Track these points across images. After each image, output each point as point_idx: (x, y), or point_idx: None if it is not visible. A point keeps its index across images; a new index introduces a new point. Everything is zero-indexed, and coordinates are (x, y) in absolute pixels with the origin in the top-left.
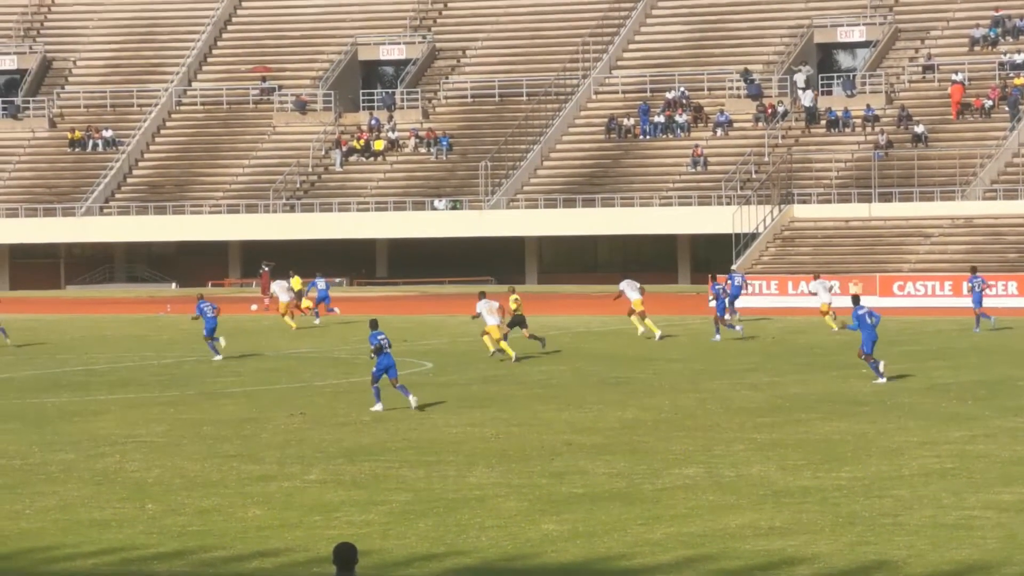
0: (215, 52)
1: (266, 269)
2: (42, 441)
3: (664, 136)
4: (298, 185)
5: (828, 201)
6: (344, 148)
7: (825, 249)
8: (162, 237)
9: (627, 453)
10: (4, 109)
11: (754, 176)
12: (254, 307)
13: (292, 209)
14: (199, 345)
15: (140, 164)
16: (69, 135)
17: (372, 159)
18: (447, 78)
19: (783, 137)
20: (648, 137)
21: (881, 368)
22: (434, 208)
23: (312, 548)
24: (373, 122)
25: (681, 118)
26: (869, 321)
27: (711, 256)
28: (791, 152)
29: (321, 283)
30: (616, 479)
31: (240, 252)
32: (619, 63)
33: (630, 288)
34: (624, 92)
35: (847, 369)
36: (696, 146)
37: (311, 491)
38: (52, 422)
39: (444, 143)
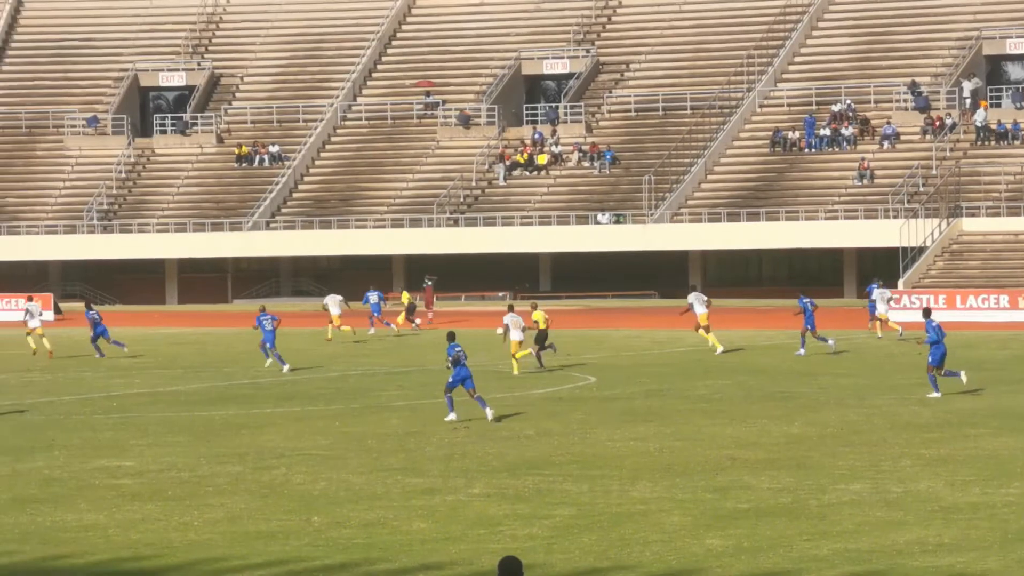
0: (380, 67)
1: (429, 283)
2: (210, 453)
3: (830, 149)
4: (461, 199)
5: (997, 214)
6: (507, 162)
7: (994, 263)
8: (327, 251)
9: (792, 468)
10: (173, 125)
11: (921, 189)
12: (417, 321)
13: (455, 223)
14: (364, 359)
15: (305, 179)
16: (236, 150)
17: (535, 173)
18: (611, 92)
19: (951, 150)
20: (813, 150)
21: (963, 377)
22: (597, 222)
23: (476, 562)
24: (536, 136)
25: (847, 131)
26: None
27: (877, 270)
28: (959, 165)
29: (374, 296)
30: (781, 494)
31: (404, 266)
32: (784, 76)
33: (698, 302)
34: (789, 105)
35: (1016, 384)
36: (863, 159)
37: (475, 505)
38: (219, 435)
39: (607, 157)
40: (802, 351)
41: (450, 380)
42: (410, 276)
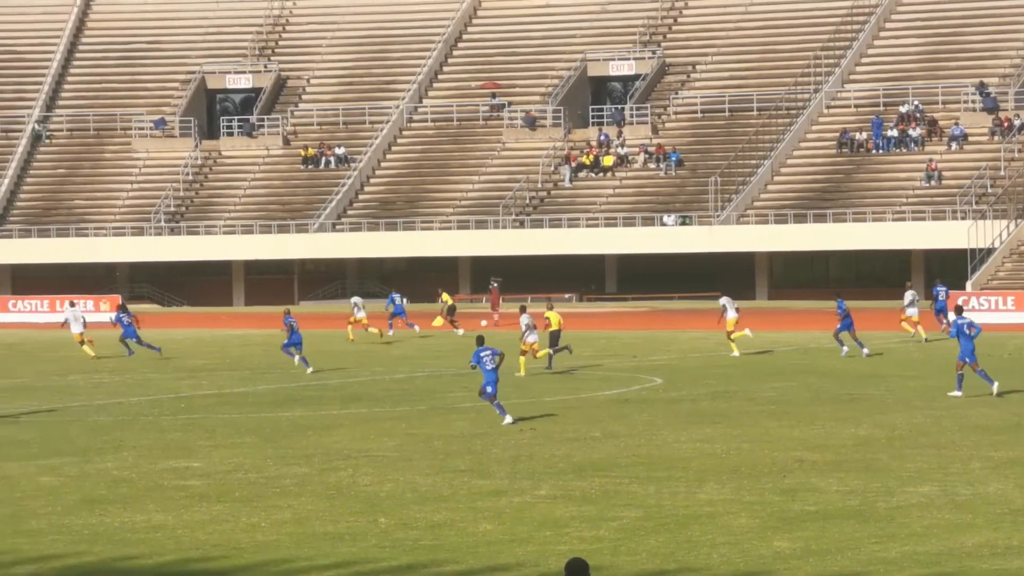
0: (446, 69)
1: (495, 285)
2: (277, 455)
3: (897, 150)
4: (527, 201)
5: None
6: (573, 164)
7: None
8: (393, 253)
9: (860, 470)
10: (240, 127)
11: (989, 190)
12: (484, 323)
13: (521, 225)
14: (430, 360)
15: (371, 181)
16: (302, 152)
17: (601, 175)
18: (677, 93)
19: (1019, 151)
20: (881, 151)
21: (995, 389)
22: (663, 224)
23: (543, 564)
24: (602, 138)
25: (915, 132)
26: (968, 332)
27: (945, 272)
28: None
29: (398, 298)
30: (849, 497)
31: (470, 268)
32: (852, 76)
33: (730, 306)
34: (857, 106)
35: None
36: (930, 160)
37: (541, 506)
38: (286, 436)
39: (673, 158)
40: (845, 349)
41: (489, 389)
42: (475, 278)
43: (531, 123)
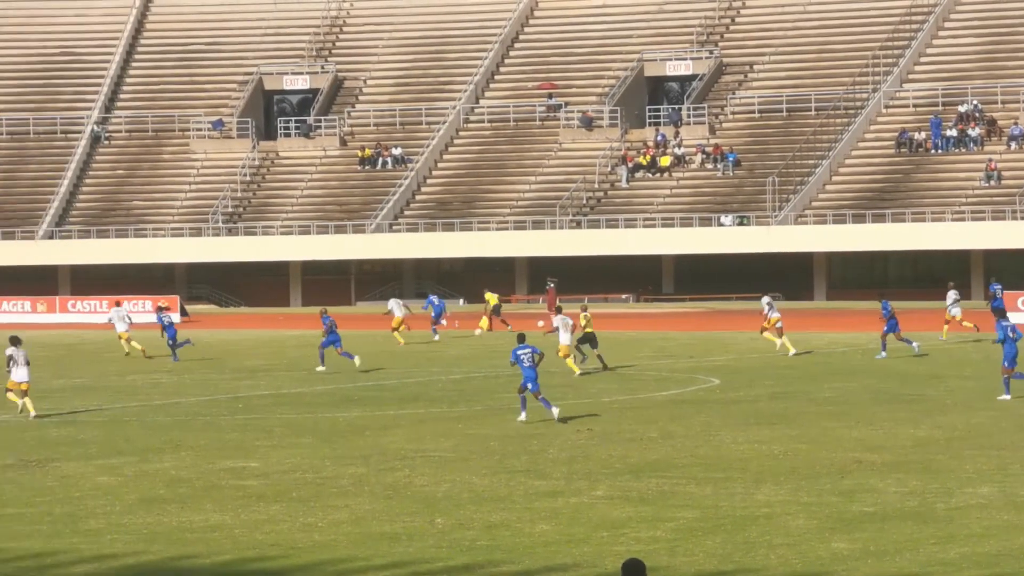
0: (502, 69)
1: (551, 286)
2: (334, 455)
3: (956, 150)
4: (584, 201)
5: None
6: (630, 164)
7: None
8: (450, 253)
9: (919, 472)
10: (297, 128)
11: None
12: (540, 323)
13: (578, 225)
14: (487, 361)
15: (428, 181)
16: (359, 153)
17: (658, 175)
18: (734, 93)
19: None
20: (940, 151)
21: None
22: (721, 224)
23: (600, 564)
24: (659, 138)
25: (974, 131)
26: (1011, 336)
27: (1005, 271)
28: None
29: (436, 299)
30: (908, 498)
31: (527, 268)
32: (910, 76)
33: (768, 305)
34: (915, 106)
35: None
36: (990, 160)
37: (598, 507)
38: (344, 436)
39: (731, 159)
40: (883, 354)
41: (530, 385)
42: (532, 278)
43: (588, 123)
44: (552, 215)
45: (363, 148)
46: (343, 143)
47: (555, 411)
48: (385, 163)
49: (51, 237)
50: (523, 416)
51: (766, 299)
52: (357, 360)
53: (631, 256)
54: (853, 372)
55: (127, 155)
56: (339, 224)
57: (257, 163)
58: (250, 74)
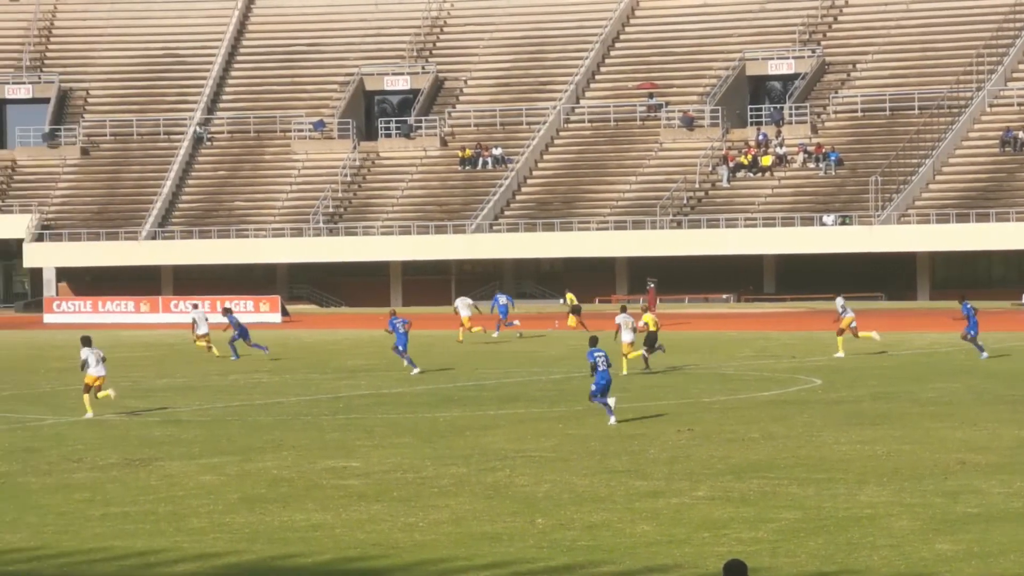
0: (603, 69)
1: (651, 285)
2: (434, 455)
3: None
4: (685, 201)
5: None
6: (731, 164)
7: None
8: (549, 253)
9: None
10: (397, 128)
11: None
12: (640, 323)
13: (679, 225)
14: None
15: (528, 181)
16: (460, 153)
17: (760, 174)
18: (836, 92)
19: None
20: None
21: None
22: (823, 224)
23: (701, 565)
24: (761, 137)
25: None
26: None
27: None
28: None
29: (503, 299)
30: (1013, 499)
31: (627, 268)
32: (1015, 75)
33: (846, 305)
34: (1020, 104)
35: None
36: None
37: (699, 507)
38: (444, 436)
39: (833, 158)
40: (985, 354)
41: (593, 387)
42: (632, 278)
43: (689, 123)
44: (652, 215)
45: (463, 148)
46: (443, 143)
47: (612, 420)
48: (485, 163)
49: (154, 238)
50: (612, 420)
51: (840, 300)
52: (416, 371)
53: (732, 256)
54: (956, 372)
55: (229, 156)
56: (439, 224)
57: (358, 164)
58: (351, 75)
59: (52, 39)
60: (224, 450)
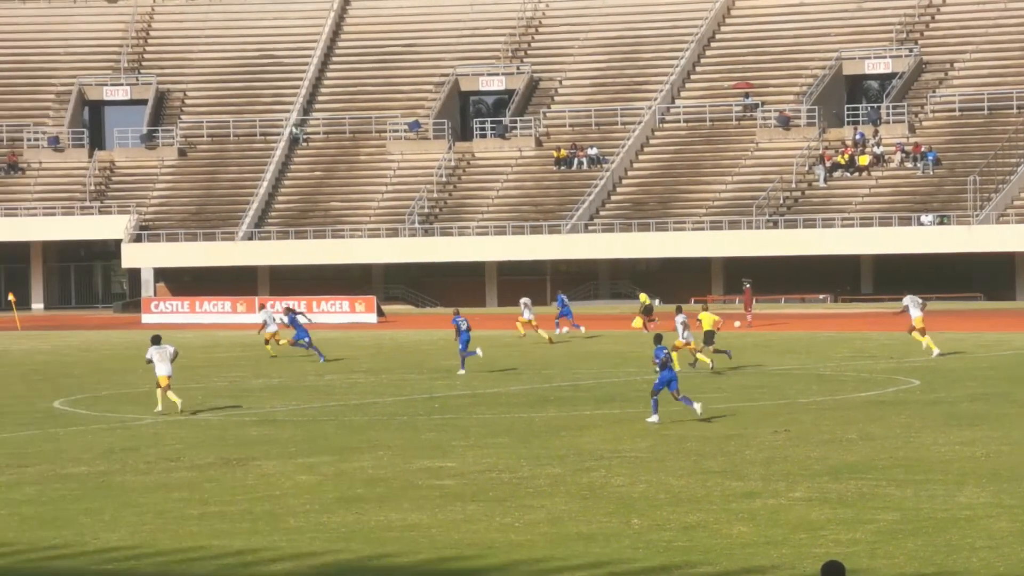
0: (698, 69)
1: (747, 286)
2: (530, 455)
3: None
4: (781, 201)
5: None
6: (828, 163)
7: None
8: (645, 254)
9: None
10: (492, 129)
11: None
12: (737, 323)
13: (775, 225)
14: (680, 362)
15: (624, 181)
16: (555, 153)
17: (856, 174)
18: (934, 91)
19: None
20: None
21: None
22: (920, 223)
23: (798, 566)
24: (858, 137)
25: None
26: None
27: None
28: None
29: (566, 299)
30: None
31: (722, 268)
32: None
33: (913, 304)
34: None
35: None
36: None
37: (796, 509)
38: (539, 436)
39: (931, 157)
40: None
41: (656, 383)
42: (728, 278)
43: (785, 122)
44: (748, 215)
45: (558, 148)
46: (539, 144)
47: (698, 407)
48: (580, 163)
49: (250, 238)
50: (655, 418)
51: (908, 298)
52: (462, 372)
53: (828, 256)
54: None
55: (325, 157)
56: (534, 224)
57: (453, 164)
58: (446, 75)
59: (150, 41)
60: (320, 450)
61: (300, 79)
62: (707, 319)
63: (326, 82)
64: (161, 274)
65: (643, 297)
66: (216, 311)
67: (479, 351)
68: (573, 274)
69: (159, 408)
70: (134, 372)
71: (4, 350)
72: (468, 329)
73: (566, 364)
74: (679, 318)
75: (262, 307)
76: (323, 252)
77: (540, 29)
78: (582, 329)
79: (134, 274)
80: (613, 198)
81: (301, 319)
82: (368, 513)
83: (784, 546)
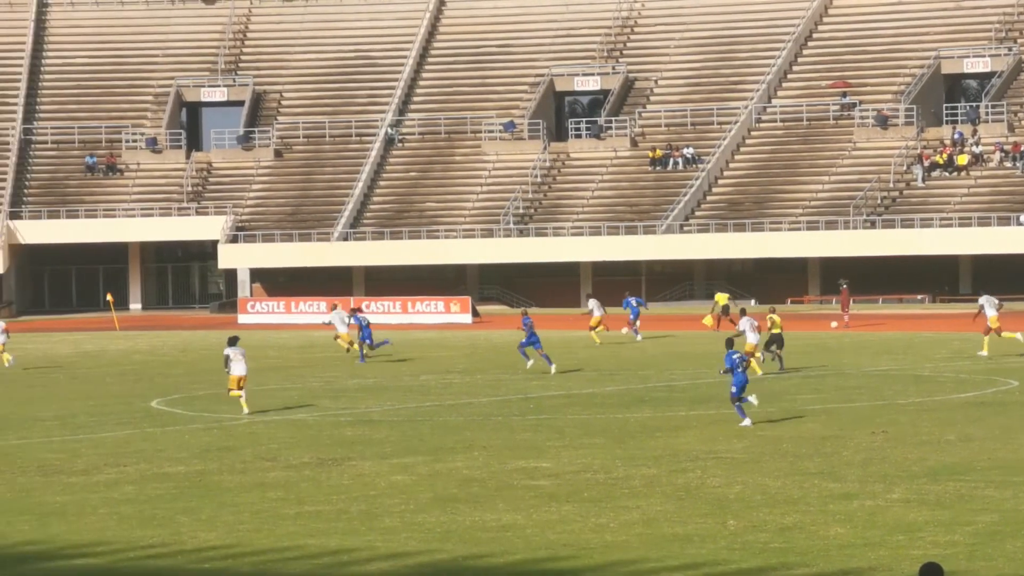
0: (795, 68)
1: (844, 286)
2: (625, 456)
3: None
4: (879, 201)
5: None
6: (926, 163)
7: None
8: (741, 254)
9: None
10: (587, 129)
11: None
12: (834, 324)
13: (872, 225)
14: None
15: (720, 182)
16: (650, 153)
17: (955, 174)
18: None
19: None
20: None
21: None
22: (1020, 223)
23: (896, 568)
24: (956, 136)
25: None
26: None
27: None
28: None
29: (634, 301)
30: None
31: (819, 269)
32: None
33: (988, 304)
34: None
35: None
36: None
37: (894, 510)
38: (634, 437)
39: None
40: None
41: (734, 389)
42: (825, 279)
43: (883, 122)
44: (845, 215)
45: (654, 148)
46: (634, 144)
47: (753, 399)
48: (676, 163)
49: (346, 239)
50: (747, 422)
51: (984, 298)
52: (553, 368)
53: (927, 256)
54: None
55: (420, 157)
56: (629, 225)
57: (548, 164)
58: (541, 75)
59: (247, 42)
60: (415, 450)
61: (396, 80)
62: (776, 321)
63: (421, 83)
64: (257, 274)
65: (720, 297)
66: (311, 311)
67: (549, 364)
68: (668, 274)
69: (246, 411)
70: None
71: (102, 350)
72: (533, 330)
73: (661, 365)
74: (744, 320)
75: (335, 307)
76: (418, 253)
77: (636, 28)
78: (630, 329)
79: (230, 274)
80: (709, 198)
81: (363, 319)
82: (463, 513)
83: (881, 548)
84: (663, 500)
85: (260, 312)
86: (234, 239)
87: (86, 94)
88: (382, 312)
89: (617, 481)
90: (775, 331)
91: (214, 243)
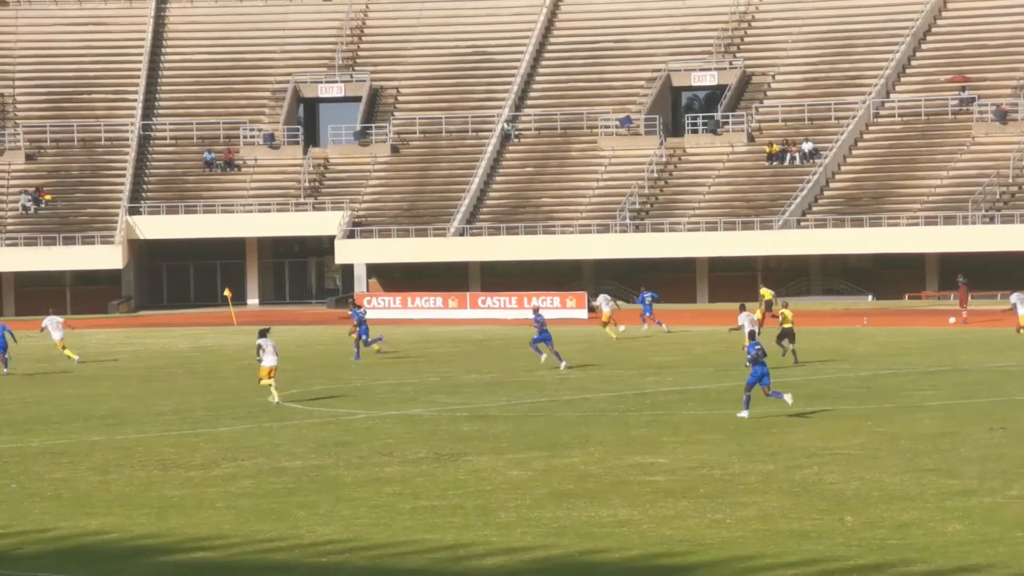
0: (913, 63)
1: (962, 282)
2: (741, 452)
3: None
4: (998, 196)
5: None
6: None
7: None
8: (858, 250)
9: None
10: (704, 124)
11: None
12: (952, 320)
13: (991, 221)
14: (897, 358)
15: (837, 177)
16: (767, 149)
17: None
18: None
19: None
20: None
21: None
22: None
23: (1015, 565)
24: None
25: None
26: None
27: None
28: None
29: (648, 298)
30: None
31: (937, 265)
32: None
33: (1020, 302)
34: None
35: None
36: None
37: (1013, 507)
38: (750, 433)
39: None
40: None
41: (749, 378)
42: (943, 275)
43: (1002, 116)
44: (964, 210)
45: (771, 144)
46: (751, 139)
47: (788, 398)
48: (793, 159)
49: (462, 234)
50: (744, 413)
51: (1016, 295)
52: (562, 365)
53: None
54: None
55: (536, 152)
56: (746, 220)
57: (664, 160)
58: (658, 71)
59: (364, 38)
60: (531, 445)
61: (512, 75)
62: (787, 315)
63: (538, 78)
64: (373, 270)
65: (765, 292)
66: (428, 307)
67: (556, 361)
68: (784, 270)
69: (276, 399)
70: (347, 368)
71: (220, 345)
72: (544, 327)
73: (775, 361)
74: (743, 316)
75: (358, 306)
76: (534, 248)
77: (753, 23)
78: (664, 326)
79: (347, 270)
80: (826, 193)
81: (361, 314)
82: (578, 509)
83: (1000, 544)
84: (779, 496)
85: (377, 307)
86: (351, 234)
87: (204, 90)
88: (499, 308)
89: (733, 477)
90: (786, 325)
91: (331, 238)
